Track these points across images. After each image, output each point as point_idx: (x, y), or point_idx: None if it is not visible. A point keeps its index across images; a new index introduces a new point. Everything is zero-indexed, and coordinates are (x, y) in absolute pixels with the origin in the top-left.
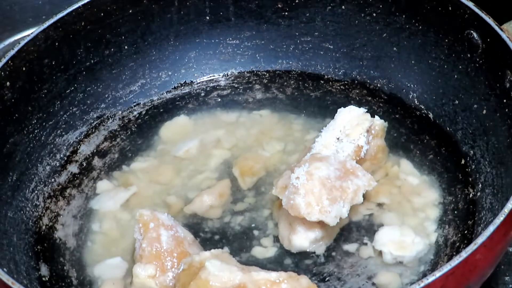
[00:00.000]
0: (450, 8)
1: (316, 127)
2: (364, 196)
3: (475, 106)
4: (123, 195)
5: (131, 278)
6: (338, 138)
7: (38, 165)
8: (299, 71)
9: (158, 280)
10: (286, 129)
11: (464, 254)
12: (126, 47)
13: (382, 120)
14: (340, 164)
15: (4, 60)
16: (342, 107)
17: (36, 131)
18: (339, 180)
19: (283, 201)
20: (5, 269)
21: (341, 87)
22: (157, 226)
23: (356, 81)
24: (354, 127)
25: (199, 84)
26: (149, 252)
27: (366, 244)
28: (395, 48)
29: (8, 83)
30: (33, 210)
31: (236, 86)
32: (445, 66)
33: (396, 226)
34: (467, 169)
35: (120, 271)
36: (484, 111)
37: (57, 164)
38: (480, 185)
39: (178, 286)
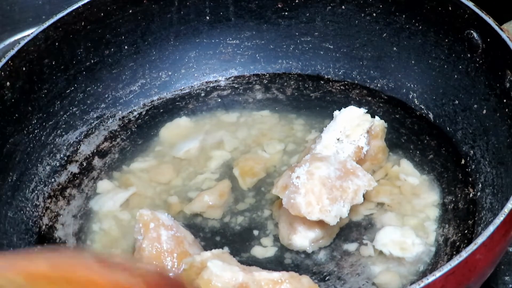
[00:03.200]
0: (450, 8)
1: (317, 127)
2: (364, 196)
3: (475, 106)
4: (123, 195)
5: None
6: (338, 139)
7: (38, 165)
8: (299, 71)
9: None
10: (287, 129)
11: (464, 254)
12: (126, 47)
13: (382, 121)
14: (340, 164)
15: (4, 60)
16: (342, 108)
17: (36, 131)
18: (339, 180)
19: (284, 201)
20: None
21: (341, 87)
22: (157, 226)
23: (356, 81)
24: (354, 127)
25: (199, 84)
26: (149, 252)
27: (366, 244)
28: (395, 48)
29: (8, 83)
30: (33, 210)
31: (236, 86)
32: (445, 66)
33: (397, 226)
34: (467, 169)
35: None
36: (484, 111)
37: (57, 164)
38: (480, 185)
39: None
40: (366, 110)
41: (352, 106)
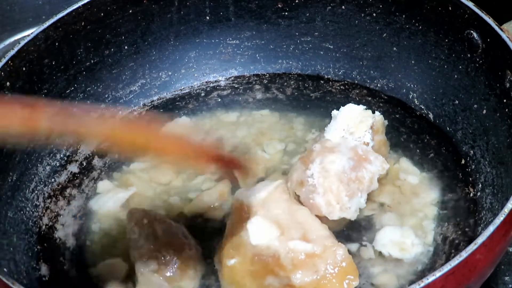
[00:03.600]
0: (450, 8)
1: (317, 127)
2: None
3: (475, 106)
4: (123, 195)
5: (135, 276)
6: (343, 137)
7: (38, 165)
8: (299, 71)
9: (161, 273)
10: (287, 129)
11: (464, 254)
12: (126, 47)
13: (382, 116)
14: (352, 151)
15: (4, 60)
16: (341, 106)
17: None
18: (354, 171)
19: (301, 199)
20: (5, 269)
21: (341, 87)
22: (151, 222)
23: (356, 81)
24: (357, 124)
25: (199, 84)
26: (147, 248)
27: (366, 245)
28: (395, 48)
29: (8, 83)
30: (33, 210)
31: (236, 86)
32: (445, 66)
33: (397, 226)
34: (467, 169)
35: (120, 271)
36: (484, 111)
37: (57, 164)
38: (480, 185)
39: (230, 219)
40: (365, 107)
41: (351, 104)
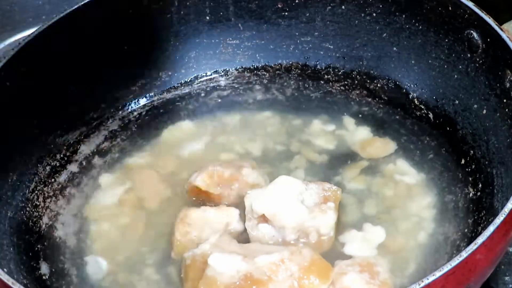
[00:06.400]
0: (450, 8)
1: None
2: (364, 197)
3: (475, 106)
4: (123, 194)
5: None
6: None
7: (38, 165)
8: (299, 71)
9: None
10: (287, 130)
11: (464, 254)
12: (126, 47)
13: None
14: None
15: (4, 60)
16: (342, 108)
17: (36, 131)
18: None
19: None
20: (5, 269)
21: (341, 88)
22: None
23: (356, 82)
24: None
25: (199, 84)
26: None
27: (366, 244)
28: (395, 48)
29: (8, 83)
30: (33, 210)
31: (236, 86)
32: (445, 66)
33: (392, 227)
34: (467, 169)
35: (118, 269)
36: (484, 111)
37: (57, 164)
38: (480, 185)
39: (188, 281)
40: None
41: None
